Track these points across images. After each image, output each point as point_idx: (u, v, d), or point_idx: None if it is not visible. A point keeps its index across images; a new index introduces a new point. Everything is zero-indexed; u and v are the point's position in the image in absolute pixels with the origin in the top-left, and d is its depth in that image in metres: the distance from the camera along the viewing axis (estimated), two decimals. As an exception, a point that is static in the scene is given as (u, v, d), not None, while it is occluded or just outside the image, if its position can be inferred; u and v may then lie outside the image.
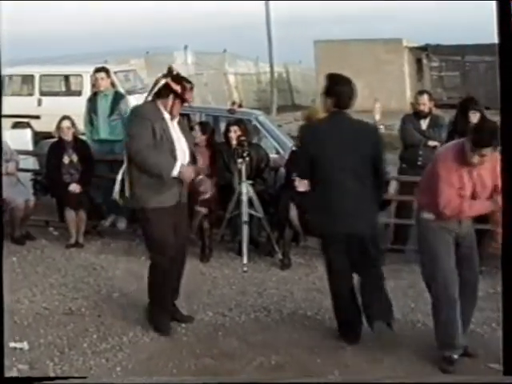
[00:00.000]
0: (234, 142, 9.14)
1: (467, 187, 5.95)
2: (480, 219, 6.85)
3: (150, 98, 6.60)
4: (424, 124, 9.47)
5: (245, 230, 8.78)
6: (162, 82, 6.54)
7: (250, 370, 6.02)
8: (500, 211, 5.69)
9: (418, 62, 35.98)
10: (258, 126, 10.89)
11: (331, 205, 6.34)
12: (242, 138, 9.07)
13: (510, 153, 4.62)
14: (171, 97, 6.54)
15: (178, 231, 6.68)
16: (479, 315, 6.68)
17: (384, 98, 26.02)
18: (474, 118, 9.16)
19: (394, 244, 9.47)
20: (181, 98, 6.60)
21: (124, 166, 6.63)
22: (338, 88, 6.55)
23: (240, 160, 8.87)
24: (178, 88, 6.56)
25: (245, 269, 8.60)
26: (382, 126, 20.84)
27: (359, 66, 32.83)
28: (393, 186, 9.75)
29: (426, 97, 9.58)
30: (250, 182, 8.98)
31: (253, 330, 6.89)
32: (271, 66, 33.45)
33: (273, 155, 10.22)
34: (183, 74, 23.18)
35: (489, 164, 5.87)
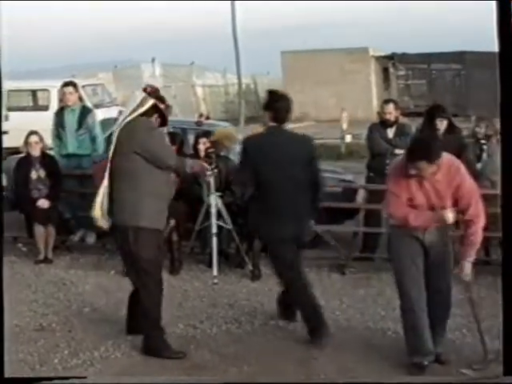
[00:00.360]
0: (203, 154, 9.15)
1: (418, 197, 6.00)
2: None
3: (133, 116, 6.45)
4: (391, 133, 9.51)
5: (214, 242, 8.79)
6: (150, 102, 6.53)
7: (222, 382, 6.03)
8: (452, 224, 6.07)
9: (385, 70, 36.26)
10: (226, 137, 10.88)
11: (271, 212, 6.73)
12: (210, 150, 9.08)
13: (510, 153, 4.63)
14: (155, 116, 6.59)
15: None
16: (450, 321, 6.71)
17: (351, 108, 26.16)
18: (441, 125, 9.24)
19: (362, 252, 9.53)
20: (163, 117, 6.68)
21: (104, 185, 6.51)
22: (276, 104, 6.86)
23: (209, 172, 8.87)
24: (162, 108, 6.72)
25: (215, 281, 8.61)
26: (349, 135, 21.03)
27: (326, 76, 33.08)
28: (361, 195, 9.82)
29: (391, 105, 9.64)
30: (219, 194, 9.00)
31: (224, 341, 6.89)
32: (239, 78, 33.45)
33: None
34: (151, 87, 22.71)
35: (445, 176, 5.95)
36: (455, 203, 6.03)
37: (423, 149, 5.86)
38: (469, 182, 6.08)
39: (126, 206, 6.36)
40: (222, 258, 9.12)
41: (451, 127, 9.41)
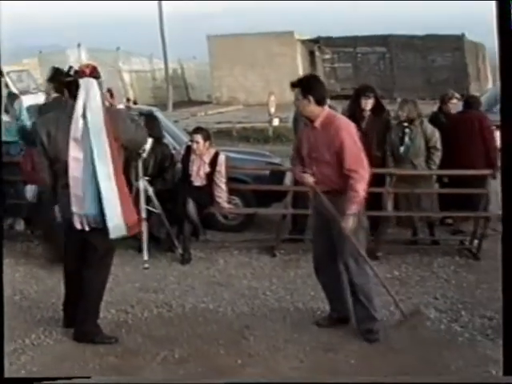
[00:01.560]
0: None
1: (303, 148, 6.52)
2: (374, 206, 7.09)
3: None
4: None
5: (144, 226, 8.78)
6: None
7: (154, 365, 6.06)
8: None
9: (311, 54, 36.52)
10: (154, 122, 10.85)
11: None
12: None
13: (510, 152, 4.68)
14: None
15: None
16: (378, 300, 6.85)
17: (279, 91, 26.24)
18: (366, 104, 9.28)
19: (291, 234, 9.63)
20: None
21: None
22: None
23: (139, 156, 8.86)
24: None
25: (146, 265, 8.61)
26: (276, 119, 21.12)
27: (253, 60, 33.18)
28: (288, 178, 9.91)
29: None
30: (147, 178, 8.98)
31: (156, 325, 6.92)
32: (165, 63, 33.38)
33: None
34: (77, 72, 22.32)
35: (324, 128, 6.31)
36: (339, 162, 6.24)
37: (301, 79, 6.51)
38: (351, 142, 6.24)
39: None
40: (152, 242, 9.11)
41: (379, 108, 9.49)
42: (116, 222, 6.12)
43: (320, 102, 6.33)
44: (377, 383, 5.67)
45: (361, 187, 6.18)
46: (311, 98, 6.27)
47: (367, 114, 9.25)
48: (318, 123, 6.32)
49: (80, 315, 6.53)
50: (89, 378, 5.70)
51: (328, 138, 6.24)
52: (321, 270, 6.79)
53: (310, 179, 6.43)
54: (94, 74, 6.29)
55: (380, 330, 6.51)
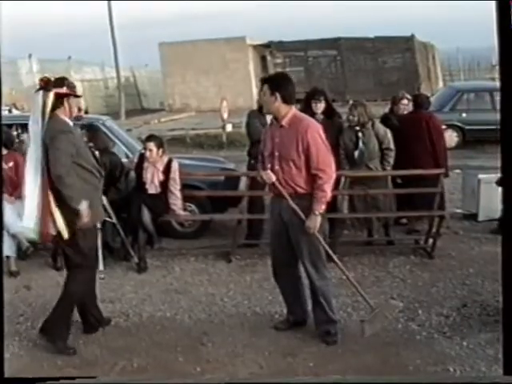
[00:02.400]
0: None
1: (268, 146, 6.48)
2: (330, 209, 7.10)
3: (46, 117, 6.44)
4: (269, 119, 9.56)
5: (98, 236, 8.72)
6: (51, 94, 6.45)
7: (113, 375, 6.02)
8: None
9: (263, 59, 36.57)
10: (106, 131, 10.81)
11: None
12: (90, 145, 9.02)
13: (510, 152, 4.70)
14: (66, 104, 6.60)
15: None
16: (335, 302, 6.88)
17: (232, 97, 26.33)
18: (316, 107, 9.35)
19: (247, 239, 9.63)
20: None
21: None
22: None
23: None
24: (66, 91, 6.61)
25: (101, 276, 8.53)
26: (229, 125, 21.13)
27: (205, 66, 33.16)
28: (243, 183, 9.90)
29: None
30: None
31: (113, 335, 6.87)
32: (117, 71, 33.23)
33: (123, 160, 10.18)
34: (29, 83, 22.92)
35: (292, 127, 6.29)
36: (306, 162, 6.24)
37: (270, 76, 6.85)
38: (320, 142, 6.24)
39: None
40: (107, 252, 9.06)
41: (331, 112, 9.54)
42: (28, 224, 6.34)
43: (287, 101, 6.29)
44: (377, 383, 5.69)
45: (329, 188, 6.24)
46: (278, 96, 6.25)
47: (319, 117, 9.29)
48: (285, 122, 6.28)
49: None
50: (94, 378, 5.65)
51: (295, 136, 6.21)
52: (279, 274, 6.79)
53: (271, 177, 6.35)
54: (45, 85, 6.44)
55: (338, 332, 6.54)
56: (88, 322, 6.94)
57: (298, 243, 6.40)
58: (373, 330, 6.40)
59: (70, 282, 6.67)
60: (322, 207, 6.25)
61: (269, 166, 6.42)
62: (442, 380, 5.79)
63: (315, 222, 6.25)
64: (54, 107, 6.48)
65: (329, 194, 6.27)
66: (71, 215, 6.32)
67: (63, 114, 6.54)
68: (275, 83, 6.35)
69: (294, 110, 6.39)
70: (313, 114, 9.32)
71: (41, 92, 6.45)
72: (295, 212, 6.30)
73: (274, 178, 6.35)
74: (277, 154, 6.33)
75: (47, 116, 6.42)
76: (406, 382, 5.69)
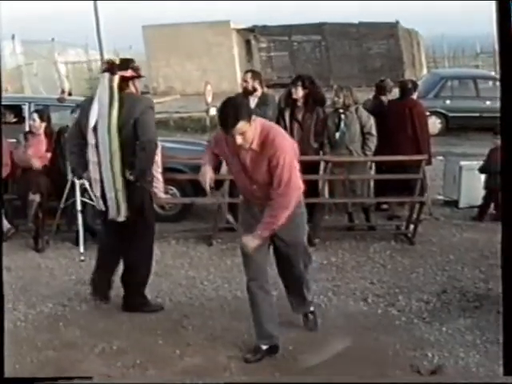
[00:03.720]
0: None
1: (234, 164, 5.76)
2: (311, 194, 7.08)
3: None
4: (253, 103, 9.57)
5: (79, 218, 8.73)
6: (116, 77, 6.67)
7: (92, 357, 6.02)
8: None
9: (247, 43, 36.49)
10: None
11: None
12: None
13: (510, 152, 4.71)
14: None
15: None
16: (315, 286, 6.90)
17: (216, 80, 26.21)
18: (295, 93, 9.40)
19: (228, 223, 9.63)
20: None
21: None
22: None
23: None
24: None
25: (82, 258, 8.55)
26: (213, 108, 21.05)
27: (190, 50, 33.02)
28: (225, 167, 9.88)
29: (248, 75, 9.72)
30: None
31: (93, 318, 6.88)
32: (101, 53, 32.99)
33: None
34: (12, 64, 22.71)
35: (259, 147, 5.50)
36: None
37: (223, 117, 5.45)
38: (287, 164, 5.48)
39: None
40: (89, 234, 9.04)
41: (315, 98, 9.56)
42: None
43: (250, 120, 5.44)
44: (377, 383, 5.67)
45: (283, 215, 5.54)
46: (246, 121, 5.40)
47: (301, 103, 9.35)
48: (254, 145, 5.50)
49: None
50: (90, 378, 5.62)
51: (266, 159, 5.49)
52: (253, 286, 5.98)
53: (207, 177, 5.81)
54: (110, 69, 6.71)
55: (318, 317, 6.54)
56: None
57: (290, 246, 5.95)
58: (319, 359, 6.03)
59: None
60: (266, 232, 5.62)
61: (241, 183, 5.86)
62: (441, 380, 5.81)
63: (253, 243, 5.64)
64: (121, 89, 6.65)
65: (280, 222, 5.56)
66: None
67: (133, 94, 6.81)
68: (234, 114, 5.36)
69: (258, 126, 5.52)
70: (294, 101, 9.40)
71: (107, 75, 6.64)
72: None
73: (208, 181, 5.79)
74: (249, 175, 5.67)
75: (116, 99, 6.59)
76: (406, 383, 5.72)
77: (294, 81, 9.62)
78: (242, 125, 5.35)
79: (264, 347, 5.96)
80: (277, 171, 5.47)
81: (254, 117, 5.51)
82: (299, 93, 9.34)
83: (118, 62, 6.81)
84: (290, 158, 5.55)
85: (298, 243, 6.03)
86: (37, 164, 9.22)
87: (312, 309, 6.49)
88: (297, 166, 5.68)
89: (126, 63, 6.82)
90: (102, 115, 6.58)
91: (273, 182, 5.52)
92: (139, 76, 6.91)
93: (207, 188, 5.84)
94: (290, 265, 6.12)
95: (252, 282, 5.94)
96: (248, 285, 5.99)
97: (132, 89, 6.80)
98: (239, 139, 5.40)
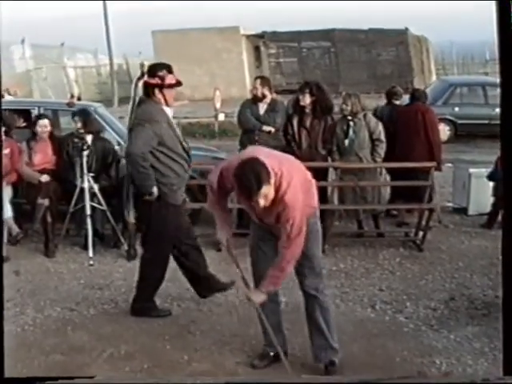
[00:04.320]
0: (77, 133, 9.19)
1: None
2: (320, 200, 7.05)
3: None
4: (262, 109, 9.60)
5: (89, 223, 8.75)
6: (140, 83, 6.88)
7: (100, 362, 6.03)
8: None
9: (256, 49, 36.51)
10: (98, 118, 10.79)
11: None
12: (81, 131, 9.06)
13: (510, 151, 4.72)
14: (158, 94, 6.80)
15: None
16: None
17: (225, 86, 26.26)
18: (303, 100, 9.40)
19: (238, 229, 9.61)
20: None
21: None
22: None
23: (82, 153, 8.87)
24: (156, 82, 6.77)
25: (91, 262, 8.57)
26: (222, 114, 21.11)
27: (199, 55, 33.04)
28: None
29: (258, 81, 9.76)
30: (92, 174, 8.95)
31: (101, 322, 6.89)
32: (110, 58, 33.10)
33: (115, 147, 10.19)
34: (22, 68, 22.84)
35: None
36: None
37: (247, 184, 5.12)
38: (292, 222, 5.26)
39: None
40: (98, 239, 9.07)
41: (324, 105, 9.56)
42: None
43: (269, 179, 5.14)
44: (378, 383, 5.66)
45: (289, 268, 5.45)
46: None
47: (309, 109, 9.37)
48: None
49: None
50: (92, 377, 5.63)
51: (276, 212, 5.31)
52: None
53: (224, 239, 5.86)
54: (141, 73, 6.90)
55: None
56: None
57: (305, 252, 5.57)
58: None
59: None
60: (272, 288, 5.53)
61: (251, 215, 5.71)
62: (441, 380, 5.81)
63: (258, 299, 5.54)
64: (148, 96, 6.73)
65: (286, 274, 5.49)
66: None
67: (154, 102, 6.72)
68: (258, 180, 5.08)
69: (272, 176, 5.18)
70: (301, 107, 9.41)
71: (134, 80, 6.90)
72: None
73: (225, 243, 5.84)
74: (259, 217, 5.56)
75: (135, 103, 6.80)
76: (407, 383, 5.70)
77: (301, 88, 9.62)
78: (265, 189, 5.11)
79: (271, 353, 5.92)
80: (286, 227, 5.28)
81: (272, 172, 5.15)
82: (307, 100, 9.34)
83: (146, 67, 6.82)
84: (301, 215, 5.30)
85: (311, 255, 5.71)
86: (45, 178, 9.25)
87: (335, 359, 5.90)
88: (311, 187, 5.56)
89: (154, 70, 6.76)
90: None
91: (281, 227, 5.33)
92: (162, 85, 6.68)
93: (225, 246, 5.91)
94: (302, 276, 5.81)
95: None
96: None
97: (159, 97, 6.72)
98: (262, 202, 5.17)
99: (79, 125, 9.21)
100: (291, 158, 5.78)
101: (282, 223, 5.31)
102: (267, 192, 5.14)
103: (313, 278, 5.80)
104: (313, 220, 5.69)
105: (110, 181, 9.36)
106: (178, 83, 6.84)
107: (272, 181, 5.14)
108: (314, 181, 5.66)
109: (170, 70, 6.77)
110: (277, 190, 5.22)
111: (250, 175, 5.09)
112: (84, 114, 9.61)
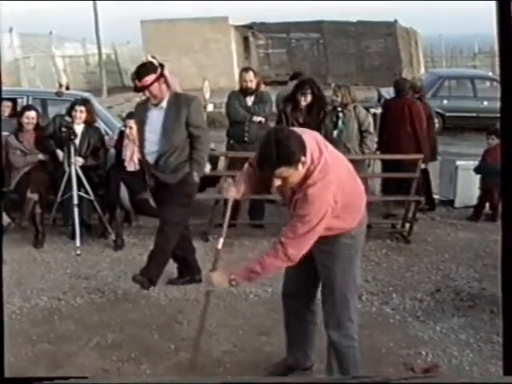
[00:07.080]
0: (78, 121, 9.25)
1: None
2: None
3: None
4: (250, 100, 9.58)
5: (76, 213, 8.73)
6: None
7: (87, 350, 6.03)
8: None
9: (245, 40, 36.44)
10: (87, 107, 10.76)
11: None
12: (69, 120, 9.05)
13: (510, 151, 4.72)
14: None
15: None
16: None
17: (213, 77, 26.16)
18: (304, 100, 9.42)
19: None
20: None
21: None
22: None
23: (69, 142, 8.87)
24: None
25: (78, 252, 8.56)
26: (211, 105, 21.06)
27: (187, 45, 32.94)
28: (222, 163, 9.91)
29: (251, 73, 9.72)
30: (80, 160, 8.97)
31: (88, 311, 6.90)
32: (99, 48, 32.94)
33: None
34: (10, 57, 22.74)
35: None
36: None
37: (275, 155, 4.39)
38: (307, 220, 4.49)
39: None
40: (85, 228, 9.06)
41: (317, 99, 9.58)
42: None
43: (298, 163, 4.44)
44: (378, 382, 5.66)
45: (272, 268, 4.72)
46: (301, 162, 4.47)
47: (304, 105, 9.41)
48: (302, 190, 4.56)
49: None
50: (86, 378, 5.62)
51: (295, 199, 4.59)
52: (290, 307, 5.43)
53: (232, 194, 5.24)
54: None
55: None
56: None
57: (327, 276, 4.99)
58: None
59: None
60: (241, 281, 4.87)
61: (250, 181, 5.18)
62: (441, 380, 5.83)
63: (221, 282, 4.98)
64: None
65: (265, 274, 4.80)
66: None
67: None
68: (285, 157, 4.40)
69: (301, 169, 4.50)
70: (298, 105, 9.43)
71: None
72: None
73: (234, 196, 5.24)
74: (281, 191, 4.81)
75: None
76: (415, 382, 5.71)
77: (300, 87, 9.55)
78: (283, 170, 4.43)
79: (290, 363, 5.54)
80: (296, 219, 4.56)
81: (303, 158, 4.44)
82: (308, 100, 9.38)
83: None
84: (320, 217, 4.52)
85: (331, 283, 4.96)
86: (43, 157, 9.33)
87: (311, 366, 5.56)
88: (355, 206, 4.85)
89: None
90: None
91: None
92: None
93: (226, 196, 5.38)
94: (322, 307, 5.16)
95: (288, 298, 5.41)
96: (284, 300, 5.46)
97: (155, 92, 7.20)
98: (277, 182, 4.53)
99: (78, 114, 9.22)
100: (350, 165, 4.90)
101: (296, 210, 4.58)
102: (286, 175, 4.45)
103: (332, 316, 5.03)
104: (345, 240, 4.88)
105: (97, 170, 9.37)
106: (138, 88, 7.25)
107: (300, 167, 4.42)
108: (363, 204, 4.96)
109: (138, 76, 7.14)
110: (305, 177, 4.50)
111: (272, 146, 4.38)
112: (87, 103, 9.64)
